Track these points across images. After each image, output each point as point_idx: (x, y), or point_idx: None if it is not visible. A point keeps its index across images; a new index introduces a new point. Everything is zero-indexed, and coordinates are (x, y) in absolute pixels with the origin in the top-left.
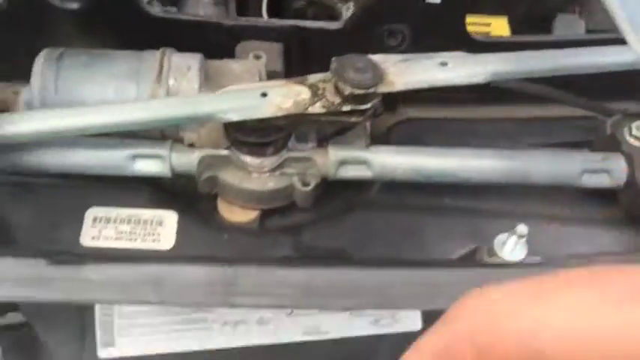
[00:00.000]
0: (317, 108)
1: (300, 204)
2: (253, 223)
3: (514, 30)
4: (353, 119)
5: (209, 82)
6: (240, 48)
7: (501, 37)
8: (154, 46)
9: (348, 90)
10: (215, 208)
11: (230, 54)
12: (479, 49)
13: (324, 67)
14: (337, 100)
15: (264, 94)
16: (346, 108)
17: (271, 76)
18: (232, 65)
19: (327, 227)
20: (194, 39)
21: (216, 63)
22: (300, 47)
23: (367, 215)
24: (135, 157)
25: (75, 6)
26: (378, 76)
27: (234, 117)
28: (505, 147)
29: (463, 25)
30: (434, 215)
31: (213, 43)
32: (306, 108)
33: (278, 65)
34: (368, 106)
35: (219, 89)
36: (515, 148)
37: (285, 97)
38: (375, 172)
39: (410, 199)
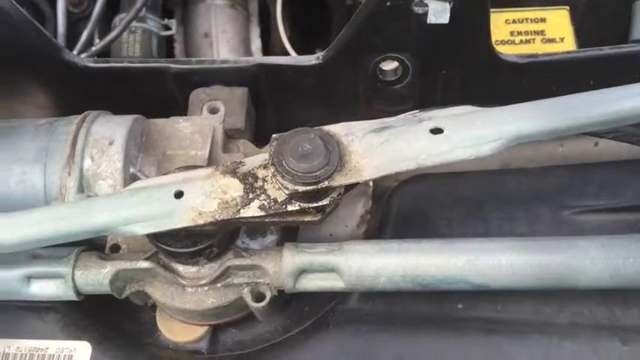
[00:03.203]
0: (252, 210)
1: (259, 318)
2: (200, 342)
3: (579, 25)
4: (307, 219)
5: (150, 149)
6: (194, 96)
7: (547, 54)
8: (90, 100)
9: (289, 186)
10: (154, 322)
11: (185, 103)
12: (513, 72)
13: (302, 115)
14: (281, 196)
15: (178, 194)
16: (293, 207)
17: (232, 135)
18: (180, 124)
19: (296, 350)
20: (135, 89)
21: (160, 123)
22: (272, 90)
23: (347, 333)
24: (29, 277)
25: None
26: (334, 161)
27: (141, 230)
28: (543, 216)
29: (487, 43)
30: (437, 330)
31: (162, 92)
32: (237, 210)
33: (239, 120)
34: (325, 202)
35: (162, 158)
36: (557, 221)
37: (208, 197)
38: (348, 282)
39: (403, 308)
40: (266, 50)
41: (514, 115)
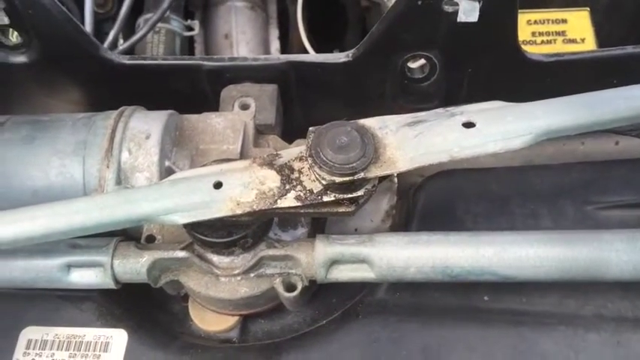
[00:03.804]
0: (289, 200)
1: (289, 308)
2: (231, 331)
3: (599, 26)
4: (341, 210)
5: (184, 143)
6: (225, 93)
7: (571, 53)
8: (124, 96)
9: (326, 176)
10: (185, 313)
11: (216, 99)
12: (538, 71)
13: (329, 112)
14: (317, 187)
15: (218, 185)
16: (328, 198)
17: (262, 130)
18: (213, 120)
19: (325, 339)
20: (169, 86)
21: (193, 118)
22: (300, 87)
23: (376, 323)
24: (69, 266)
25: (23, 59)
26: (369, 153)
27: (181, 219)
28: (567, 211)
29: (514, 41)
30: (464, 321)
31: (194, 89)
32: (275, 201)
33: (270, 116)
34: (359, 193)
35: (195, 152)
36: (580, 216)
37: (246, 188)
38: (379, 273)
39: (430, 299)
40: (284, 52)
41: (544, 110)
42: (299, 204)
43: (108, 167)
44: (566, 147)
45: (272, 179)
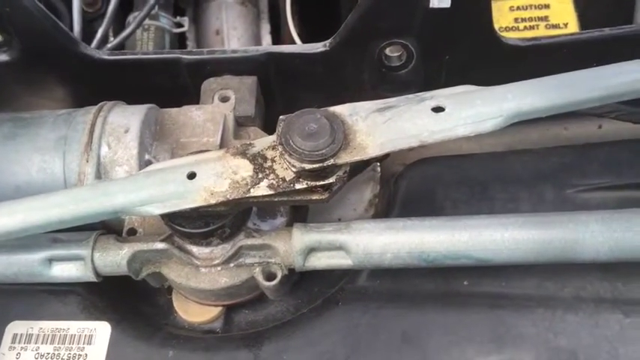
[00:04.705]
0: (262, 189)
1: (270, 297)
2: (215, 322)
3: (581, 12)
4: (315, 197)
5: (164, 137)
6: (205, 86)
7: (549, 36)
8: (106, 92)
9: (296, 164)
10: (169, 305)
11: (197, 93)
12: (516, 56)
13: (309, 102)
14: (289, 175)
15: (191, 176)
16: (301, 186)
17: (242, 122)
18: (193, 113)
19: (307, 326)
20: (149, 80)
21: (174, 112)
22: (280, 78)
23: (356, 310)
24: (50, 260)
25: (5, 58)
26: (339, 140)
27: (156, 210)
28: (547, 194)
29: (490, 27)
30: (443, 306)
31: (174, 83)
32: (248, 190)
33: (250, 107)
34: (331, 180)
35: (176, 145)
36: (560, 199)
37: (220, 178)
38: (356, 259)
39: (410, 285)
40: None
41: (513, 92)
42: (272, 192)
43: (87, 162)
44: (549, 132)
45: (245, 168)
